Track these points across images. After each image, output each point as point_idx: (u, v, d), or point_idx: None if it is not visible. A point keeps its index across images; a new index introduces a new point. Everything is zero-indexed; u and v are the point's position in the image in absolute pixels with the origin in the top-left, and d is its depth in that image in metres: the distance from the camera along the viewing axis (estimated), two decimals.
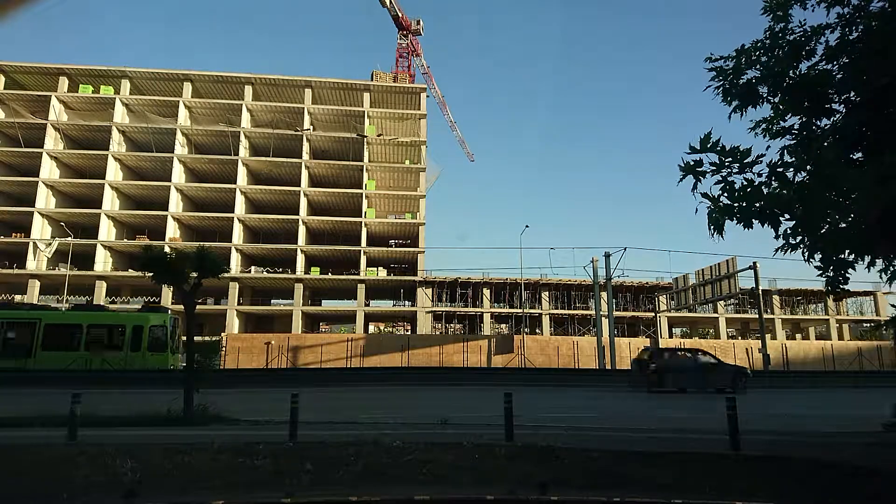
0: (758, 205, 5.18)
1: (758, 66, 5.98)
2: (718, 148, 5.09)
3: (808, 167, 5.55)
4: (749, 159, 5.12)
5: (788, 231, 5.38)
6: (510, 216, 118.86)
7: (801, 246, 5.44)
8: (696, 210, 5.36)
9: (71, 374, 19.09)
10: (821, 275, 5.76)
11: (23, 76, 48.11)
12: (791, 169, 5.47)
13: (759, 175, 5.28)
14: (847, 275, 5.71)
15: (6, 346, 21.35)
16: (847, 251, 5.48)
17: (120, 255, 47.29)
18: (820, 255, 5.56)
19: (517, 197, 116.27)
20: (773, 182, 5.28)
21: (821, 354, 36.88)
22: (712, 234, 5.22)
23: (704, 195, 5.26)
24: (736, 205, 5.20)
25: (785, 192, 5.17)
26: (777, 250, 5.51)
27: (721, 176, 5.20)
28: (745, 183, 5.23)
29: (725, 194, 5.23)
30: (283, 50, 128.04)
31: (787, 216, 5.28)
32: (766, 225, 5.26)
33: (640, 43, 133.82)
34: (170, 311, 23.47)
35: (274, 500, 2.49)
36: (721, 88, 6.05)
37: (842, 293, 5.91)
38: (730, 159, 5.11)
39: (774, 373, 25.10)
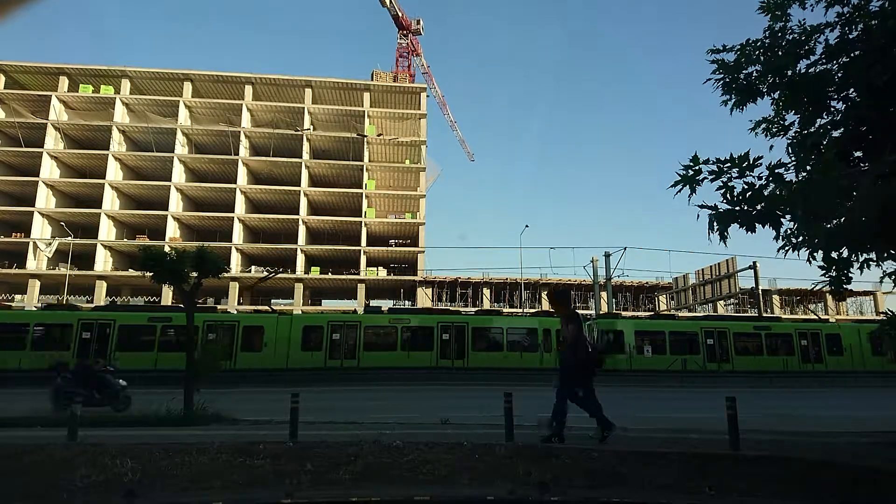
0: (759, 206, 5.19)
1: (758, 64, 5.98)
2: (713, 161, 5.14)
3: (808, 166, 5.55)
4: (747, 163, 5.14)
5: (790, 231, 5.38)
6: (510, 216, 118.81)
7: (804, 245, 5.44)
8: (698, 217, 5.40)
9: None
10: (824, 275, 5.78)
11: (23, 76, 48.11)
12: (790, 168, 5.48)
13: (760, 178, 5.29)
14: (850, 274, 5.74)
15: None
16: (845, 249, 5.49)
17: (120, 255, 47.31)
18: (822, 254, 5.57)
19: (517, 197, 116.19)
20: (772, 184, 5.29)
21: None
22: (718, 242, 5.27)
23: (702, 206, 5.30)
24: (737, 209, 5.22)
25: (784, 192, 5.18)
26: (779, 250, 5.51)
27: (722, 181, 5.23)
28: (746, 186, 5.25)
29: (725, 200, 5.25)
30: (283, 50, 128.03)
31: (787, 217, 5.28)
32: (766, 226, 5.27)
33: (641, 42, 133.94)
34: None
35: (274, 500, 2.50)
36: (722, 82, 6.06)
37: (844, 293, 5.94)
38: (728, 165, 5.15)
39: (773, 372, 25.13)
